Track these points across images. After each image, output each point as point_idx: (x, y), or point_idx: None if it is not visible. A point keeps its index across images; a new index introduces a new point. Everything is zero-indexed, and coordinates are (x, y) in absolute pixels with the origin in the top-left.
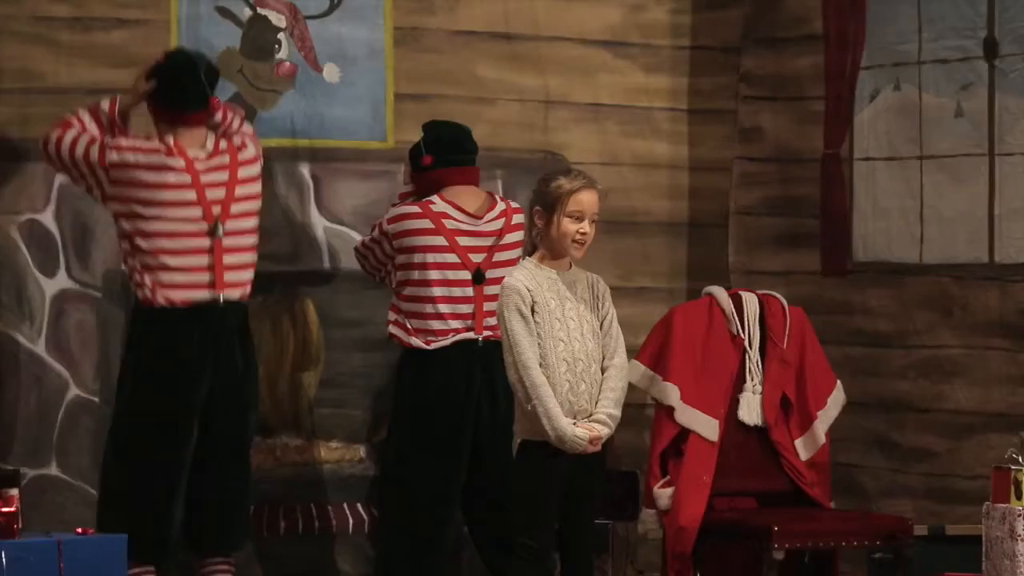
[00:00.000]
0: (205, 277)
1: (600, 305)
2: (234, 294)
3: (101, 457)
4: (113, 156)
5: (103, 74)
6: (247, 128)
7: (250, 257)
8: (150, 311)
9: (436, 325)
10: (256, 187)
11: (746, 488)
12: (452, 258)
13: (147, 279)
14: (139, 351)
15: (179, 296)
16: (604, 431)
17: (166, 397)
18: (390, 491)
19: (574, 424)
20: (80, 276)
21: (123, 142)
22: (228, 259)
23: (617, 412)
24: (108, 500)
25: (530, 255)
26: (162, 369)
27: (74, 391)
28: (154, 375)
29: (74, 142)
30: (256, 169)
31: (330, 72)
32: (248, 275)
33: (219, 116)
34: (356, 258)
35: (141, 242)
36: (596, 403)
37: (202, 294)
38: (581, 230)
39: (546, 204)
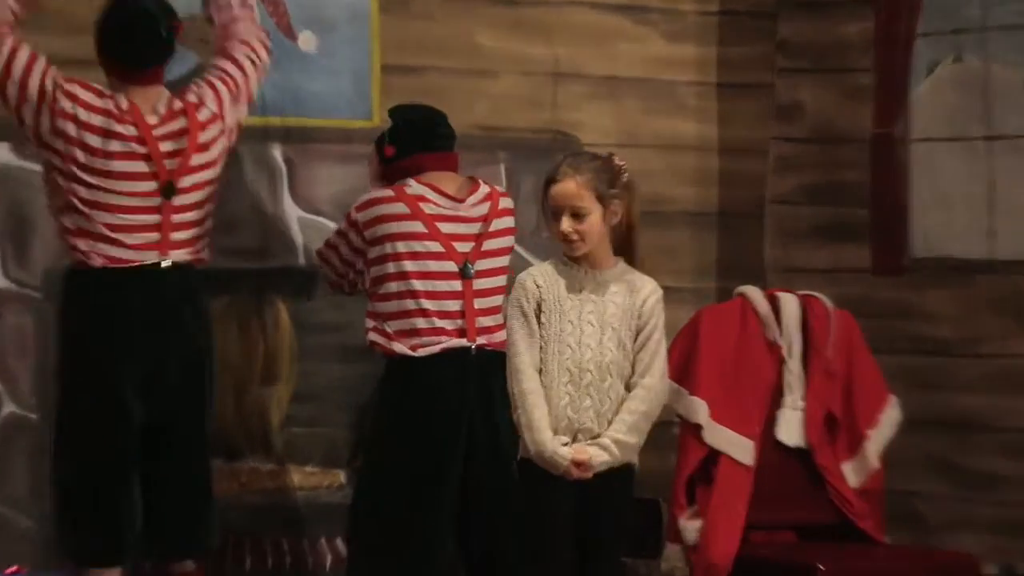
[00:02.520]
0: (152, 245)
1: (639, 314)
2: (183, 257)
3: (38, 484)
4: (65, 104)
5: (44, 42)
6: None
7: (202, 222)
8: (85, 273)
9: (421, 324)
10: (216, 149)
11: (786, 520)
12: (434, 247)
13: (80, 243)
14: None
15: (110, 261)
16: (598, 458)
17: (102, 368)
18: (361, 524)
19: (565, 443)
20: (16, 274)
21: (78, 91)
22: (176, 233)
23: (630, 439)
24: (56, 498)
25: None
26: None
27: (8, 407)
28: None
29: (28, 66)
30: (215, 130)
31: (306, 40)
32: (201, 241)
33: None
34: (318, 263)
35: (78, 204)
36: (611, 423)
37: (148, 257)
38: (563, 228)
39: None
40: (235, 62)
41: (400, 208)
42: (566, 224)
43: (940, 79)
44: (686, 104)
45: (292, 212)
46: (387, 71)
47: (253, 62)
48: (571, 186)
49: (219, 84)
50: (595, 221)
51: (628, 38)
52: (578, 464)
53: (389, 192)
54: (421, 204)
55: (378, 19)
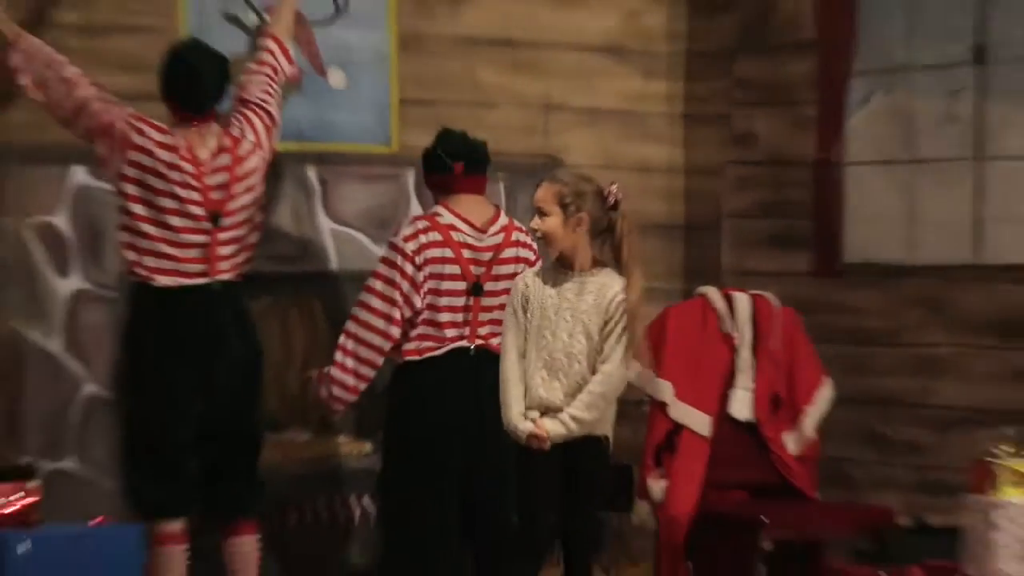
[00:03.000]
0: (202, 261)
1: (607, 310)
2: (227, 275)
3: (115, 450)
4: (136, 139)
5: (114, 79)
6: (289, 69)
7: (244, 239)
8: (148, 289)
9: (432, 331)
10: (256, 177)
11: (737, 481)
12: (455, 269)
13: (143, 262)
14: (137, 327)
15: (171, 281)
16: (555, 430)
17: (163, 371)
18: (389, 484)
19: (529, 418)
20: (95, 277)
21: (146, 129)
22: (223, 251)
23: (586, 415)
24: (128, 468)
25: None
26: (160, 347)
27: (90, 388)
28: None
29: (105, 107)
30: (256, 160)
31: (335, 77)
32: (243, 255)
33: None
34: (359, 327)
35: (141, 226)
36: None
37: (196, 280)
38: (531, 223)
39: None
40: (267, 93)
41: (435, 236)
42: (534, 221)
43: (871, 111)
44: (656, 132)
45: (325, 224)
46: (404, 104)
47: (276, 91)
48: (541, 191)
49: (254, 117)
50: (553, 223)
51: (608, 76)
52: (536, 437)
53: (426, 223)
54: (452, 233)
55: (396, 60)
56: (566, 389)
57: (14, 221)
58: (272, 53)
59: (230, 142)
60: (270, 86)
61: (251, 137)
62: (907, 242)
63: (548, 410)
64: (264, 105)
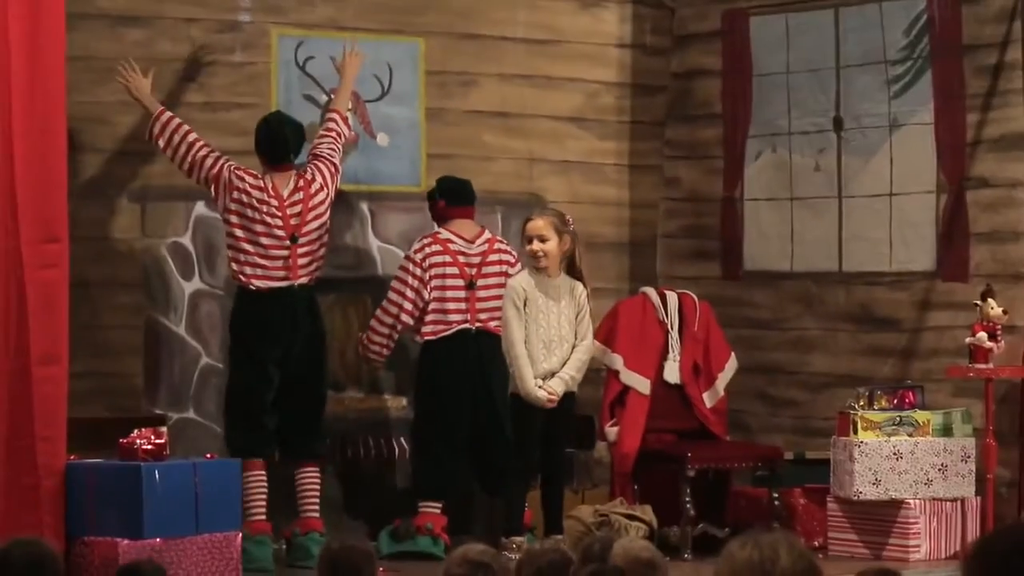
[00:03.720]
0: (285, 270)
1: (578, 303)
2: (303, 280)
3: (222, 407)
4: (237, 183)
5: (224, 141)
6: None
7: (316, 252)
8: (247, 291)
9: (442, 318)
10: (323, 208)
11: (668, 427)
12: (453, 270)
13: (244, 271)
14: (239, 319)
15: (263, 284)
16: (560, 388)
17: (254, 350)
18: (418, 426)
19: (540, 385)
20: (209, 280)
21: (244, 176)
22: (299, 261)
23: (576, 375)
24: (226, 418)
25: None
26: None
27: (205, 360)
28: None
29: (215, 162)
30: (322, 196)
31: (382, 139)
32: (315, 265)
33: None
34: (371, 341)
35: (244, 245)
36: (564, 367)
37: (280, 283)
38: (531, 249)
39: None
40: (332, 150)
41: (436, 247)
42: (536, 245)
43: (762, 163)
44: (610, 178)
45: (373, 242)
46: (430, 157)
47: (338, 149)
48: (540, 223)
49: (322, 166)
50: (552, 246)
51: (575, 138)
52: (550, 399)
53: (429, 239)
54: (448, 244)
55: (425, 127)
56: (559, 359)
57: (154, 241)
58: (335, 122)
59: (304, 183)
60: (334, 146)
61: (319, 180)
62: (789, 255)
63: (549, 374)
64: (330, 158)
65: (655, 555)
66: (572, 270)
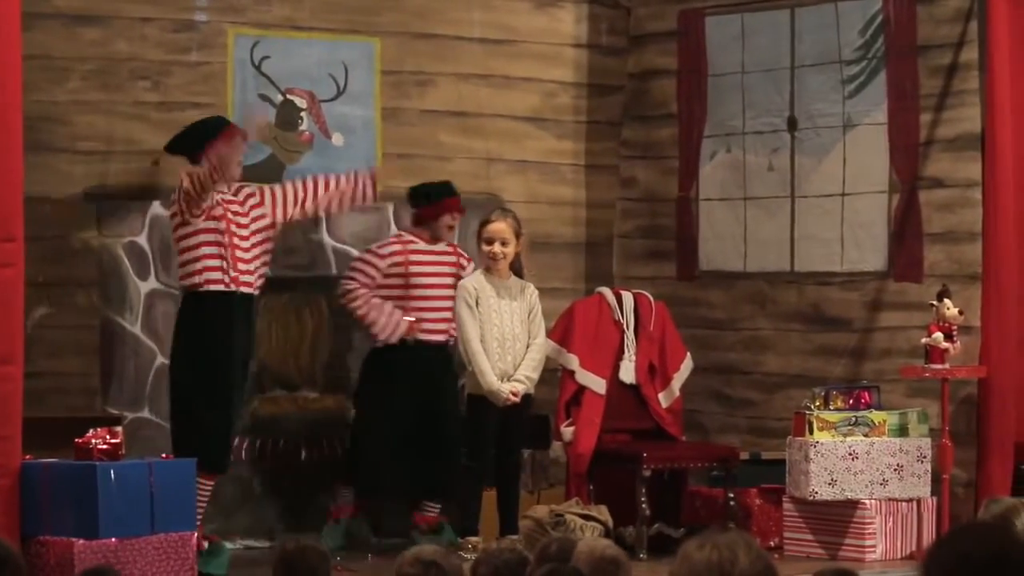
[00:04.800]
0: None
1: (530, 303)
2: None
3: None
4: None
5: None
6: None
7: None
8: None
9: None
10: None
11: (624, 427)
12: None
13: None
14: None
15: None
16: (520, 387)
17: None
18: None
19: (501, 382)
20: (164, 280)
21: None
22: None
23: (533, 375)
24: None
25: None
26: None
27: (160, 359)
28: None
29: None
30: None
31: (337, 139)
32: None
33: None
34: (349, 279)
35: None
36: (519, 367)
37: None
38: (492, 251)
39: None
40: (285, 187)
41: (397, 247)
42: (497, 248)
43: (716, 163)
44: (566, 177)
45: (328, 242)
46: (385, 157)
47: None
48: (503, 226)
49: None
50: (511, 249)
51: (532, 137)
52: (512, 394)
53: (392, 240)
54: (409, 245)
55: (381, 126)
56: (513, 359)
57: (110, 241)
58: (308, 187)
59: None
60: (291, 187)
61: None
62: (743, 256)
63: (505, 375)
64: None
65: (619, 552)
66: (517, 271)
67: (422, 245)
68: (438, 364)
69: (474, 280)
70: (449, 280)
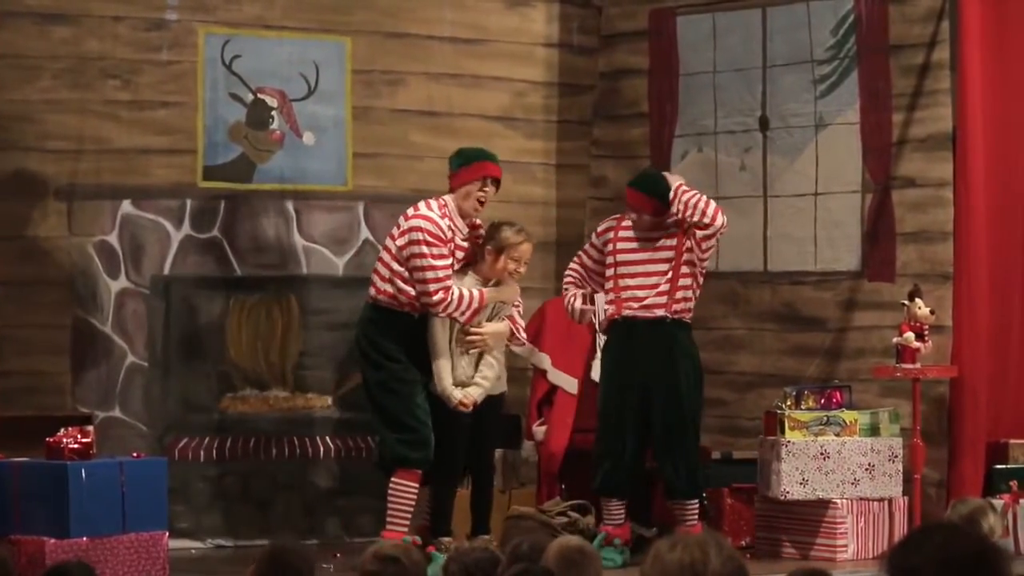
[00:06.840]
0: None
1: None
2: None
3: (158, 404)
4: None
5: (150, 139)
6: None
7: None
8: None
9: None
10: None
11: (595, 427)
12: None
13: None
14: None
15: None
16: (474, 395)
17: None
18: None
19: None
20: (135, 279)
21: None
22: None
23: (490, 372)
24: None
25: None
26: None
27: (131, 358)
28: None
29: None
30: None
31: (308, 138)
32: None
33: None
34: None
35: None
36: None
37: None
38: (517, 271)
39: (496, 247)
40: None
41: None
42: (523, 269)
43: (688, 162)
44: (537, 177)
45: (299, 242)
46: (356, 156)
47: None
48: (530, 247)
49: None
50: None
51: (502, 137)
52: (462, 403)
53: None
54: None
55: (351, 125)
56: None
57: (81, 240)
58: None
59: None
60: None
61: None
62: (715, 255)
63: (465, 382)
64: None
65: (584, 544)
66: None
67: None
68: None
69: (468, 282)
70: None
